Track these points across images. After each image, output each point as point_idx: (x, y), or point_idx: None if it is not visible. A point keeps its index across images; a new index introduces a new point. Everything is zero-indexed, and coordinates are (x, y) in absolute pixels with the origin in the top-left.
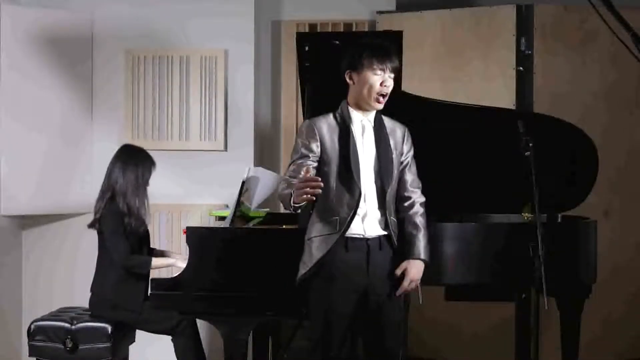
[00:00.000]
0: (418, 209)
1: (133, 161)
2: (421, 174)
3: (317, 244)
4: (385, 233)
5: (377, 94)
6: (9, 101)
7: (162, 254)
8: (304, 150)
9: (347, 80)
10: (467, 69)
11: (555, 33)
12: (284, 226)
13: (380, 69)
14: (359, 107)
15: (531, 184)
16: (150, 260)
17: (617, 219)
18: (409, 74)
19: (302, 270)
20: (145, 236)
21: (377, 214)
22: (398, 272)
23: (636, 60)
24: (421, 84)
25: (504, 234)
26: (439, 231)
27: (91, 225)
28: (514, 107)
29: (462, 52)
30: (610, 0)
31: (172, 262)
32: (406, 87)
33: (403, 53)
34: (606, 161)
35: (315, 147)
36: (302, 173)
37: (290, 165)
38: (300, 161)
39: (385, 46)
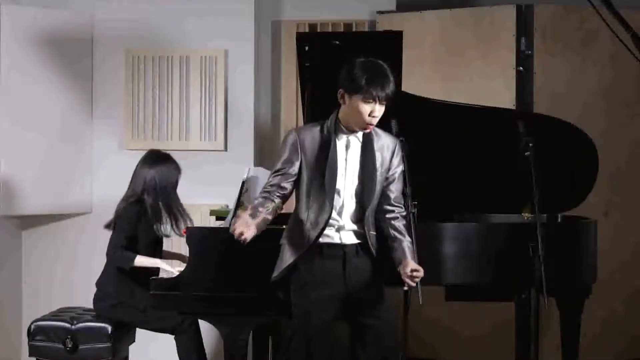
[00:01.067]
0: (400, 219)
1: (159, 164)
2: (421, 175)
3: (287, 249)
4: (361, 241)
5: (365, 122)
6: (9, 101)
7: (172, 255)
8: (284, 165)
9: (339, 98)
10: (467, 69)
11: (555, 33)
12: (283, 226)
13: (373, 99)
14: (348, 125)
15: (531, 184)
16: (134, 257)
17: (617, 218)
18: (409, 74)
19: (275, 272)
20: (159, 242)
21: (354, 227)
22: (406, 270)
23: (636, 60)
24: (421, 84)
25: (504, 234)
26: (439, 231)
27: (107, 226)
28: (514, 107)
29: (462, 52)
30: (610, 0)
31: (157, 262)
32: (406, 87)
33: (403, 53)
34: (606, 161)
35: (296, 160)
36: (234, 226)
37: (270, 176)
38: (278, 177)
39: (383, 73)
